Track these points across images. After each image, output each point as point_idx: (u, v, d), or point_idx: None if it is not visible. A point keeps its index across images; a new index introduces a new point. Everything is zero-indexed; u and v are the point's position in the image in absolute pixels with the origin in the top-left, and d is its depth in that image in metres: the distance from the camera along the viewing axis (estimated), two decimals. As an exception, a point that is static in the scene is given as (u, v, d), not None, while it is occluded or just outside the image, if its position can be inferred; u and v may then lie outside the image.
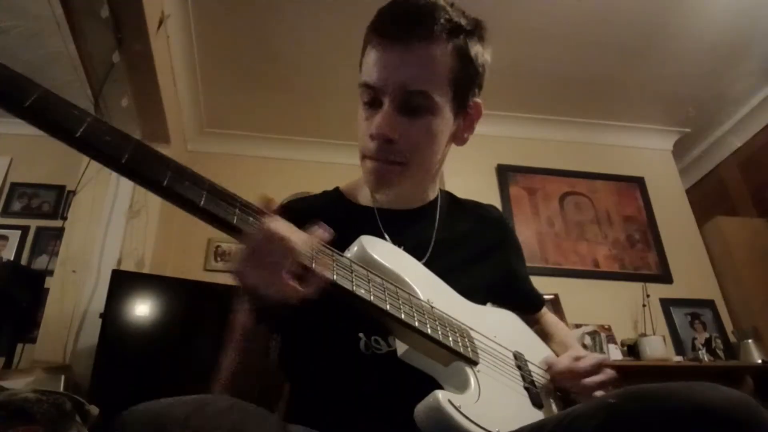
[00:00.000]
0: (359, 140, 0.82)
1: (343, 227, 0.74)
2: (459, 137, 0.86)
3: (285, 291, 0.57)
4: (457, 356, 0.70)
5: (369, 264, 0.71)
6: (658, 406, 0.48)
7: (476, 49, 0.80)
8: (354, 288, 0.63)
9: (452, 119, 0.81)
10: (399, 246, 0.82)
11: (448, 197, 0.99)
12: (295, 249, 0.57)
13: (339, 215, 0.85)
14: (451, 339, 0.70)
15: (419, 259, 0.84)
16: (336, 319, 0.72)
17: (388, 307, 0.65)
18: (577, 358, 0.83)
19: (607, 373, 0.81)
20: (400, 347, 0.71)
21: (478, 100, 0.85)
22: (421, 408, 0.62)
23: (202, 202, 0.55)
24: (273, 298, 0.58)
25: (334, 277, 0.62)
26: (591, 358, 0.82)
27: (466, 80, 0.80)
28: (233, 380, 0.69)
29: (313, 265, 0.60)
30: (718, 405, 0.45)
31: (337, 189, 0.96)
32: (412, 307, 0.68)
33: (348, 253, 0.72)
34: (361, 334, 0.74)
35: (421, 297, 0.73)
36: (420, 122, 0.77)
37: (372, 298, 0.64)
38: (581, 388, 0.80)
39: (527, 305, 0.99)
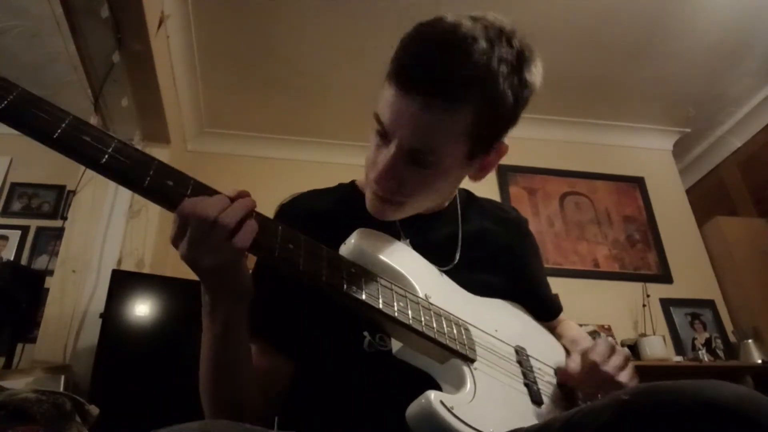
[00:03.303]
0: (366, 159, 0.78)
1: (357, 223, 0.74)
2: (474, 176, 0.81)
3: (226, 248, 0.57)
4: (453, 353, 0.68)
5: (364, 258, 0.69)
6: (668, 402, 0.48)
7: (515, 91, 0.69)
8: (346, 287, 0.62)
9: (465, 167, 0.76)
10: (422, 247, 0.80)
11: (466, 195, 0.97)
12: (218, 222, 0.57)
13: (354, 211, 0.83)
14: (447, 336, 0.68)
15: (450, 259, 0.83)
16: (339, 319, 0.71)
17: (380, 305, 0.63)
18: (584, 351, 0.79)
19: (623, 352, 0.78)
20: (395, 345, 0.70)
21: (504, 142, 0.77)
22: (412, 409, 0.60)
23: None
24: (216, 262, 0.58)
25: (324, 278, 0.61)
26: (601, 344, 0.78)
27: (493, 130, 0.73)
28: (217, 387, 0.68)
29: (363, 296, 0.61)
30: (727, 401, 0.45)
31: (353, 182, 0.94)
32: (406, 303, 0.67)
33: (343, 247, 0.70)
34: (365, 333, 0.73)
35: (419, 292, 0.71)
36: (424, 174, 0.72)
37: (364, 296, 0.63)
38: (601, 378, 0.75)
39: (543, 311, 0.97)
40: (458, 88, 0.66)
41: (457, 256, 0.84)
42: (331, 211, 0.85)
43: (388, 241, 0.75)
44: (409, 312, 0.66)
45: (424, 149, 0.69)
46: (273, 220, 0.63)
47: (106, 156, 0.53)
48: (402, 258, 0.75)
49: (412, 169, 0.72)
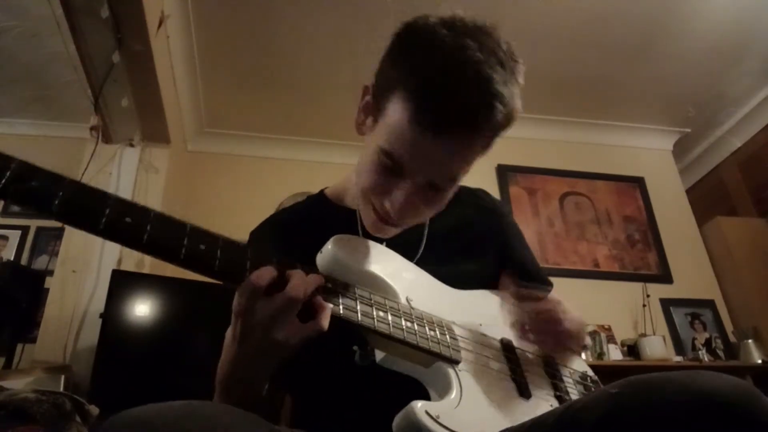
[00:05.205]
0: (364, 183, 0.73)
1: (325, 232, 0.72)
2: None
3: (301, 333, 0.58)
4: (437, 357, 0.67)
5: (341, 266, 0.67)
6: (662, 394, 0.47)
7: (515, 116, 0.70)
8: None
9: None
10: (394, 243, 0.79)
11: None
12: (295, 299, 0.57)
13: (322, 220, 0.84)
14: (429, 340, 0.67)
15: (412, 256, 0.82)
16: (325, 337, 0.71)
17: (359, 318, 0.62)
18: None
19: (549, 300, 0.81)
20: (378, 354, 0.69)
21: None
22: (398, 420, 0.59)
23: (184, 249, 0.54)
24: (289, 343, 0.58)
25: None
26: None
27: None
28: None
29: (341, 310, 0.60)
30: (722, 393, 0.45)
31: (321, 192, 0.94)
32: (386, 311, 0.65)
33: (319, 256, 0.69)
34: (355, 347, 0.71)
35: (400, 296, 0.70)
36: (441, 195, 0.73)
37: (342, 311, 0.61)
38: (543, 322, 0.79)
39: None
40: (490, 123, 0.65)
41: (422, 248, 0.83)
42: (300, 224, 0.85)
43: (365, 245, 0.74)
44: (390, 320, 0.65)
45: (449, 179, 0.70)
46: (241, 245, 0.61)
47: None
48: (381, 262, 0.73)
49: (430, 195, 0.71)
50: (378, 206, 0.73)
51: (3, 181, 0.45)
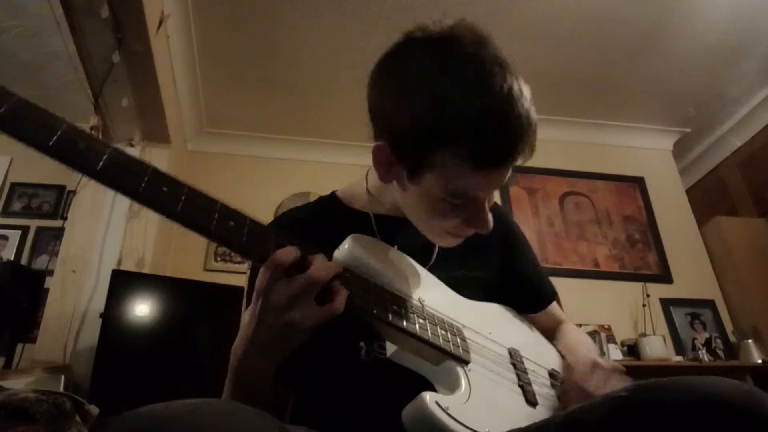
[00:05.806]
0: (437, 226, 0.77)
1: (337, 233, 0.73)
2: None
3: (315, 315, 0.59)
4: (447, 355, 0.69)
5: (358, 263, 0.69)
6: (665, 398, 0.48)
7: None
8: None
9: None
10: (406, 248, 0.80)
11: None
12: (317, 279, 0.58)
13: (334, 221, 0.85)
14: (441, 338, 0.68)
15: (425, 262, 0.83)
16: (332, 332, 0.68)
17: (375, 309, 0.63)
18: (567, 375, 0.81)
19: (604, 368, 0.81)
20: (390, 348, 0.70)
21: None
22: (407, 410, 0.60)
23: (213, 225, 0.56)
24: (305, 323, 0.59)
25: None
26: (581, 366, 0.81)
27: None
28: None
29: (356, 298, 0.61)
30: (726, 397, 0.46)
31: (333, 194, 0.95)
32: (400, 306, 0.67)
33: (337, 252, 0.70)
34: (362, 343, 0.72)
35: (412, 295, 0.72)
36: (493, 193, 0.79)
37: (357, 301, 0.62)
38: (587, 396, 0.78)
39: (536, 299, 0.97)
40: (535, 134, 0.71)
41: (434, 255, 0.85)
42: (315, 223, 0.86)
43: (380, 246, 0.76)
44: (404, 315, 0.66)
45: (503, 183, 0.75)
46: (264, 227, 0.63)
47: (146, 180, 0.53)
48: (395, 263, 0.75)
49: (490, 198, 0.78)
50: (462, 234, 0.77)
51: (54, 139, 0.48)
